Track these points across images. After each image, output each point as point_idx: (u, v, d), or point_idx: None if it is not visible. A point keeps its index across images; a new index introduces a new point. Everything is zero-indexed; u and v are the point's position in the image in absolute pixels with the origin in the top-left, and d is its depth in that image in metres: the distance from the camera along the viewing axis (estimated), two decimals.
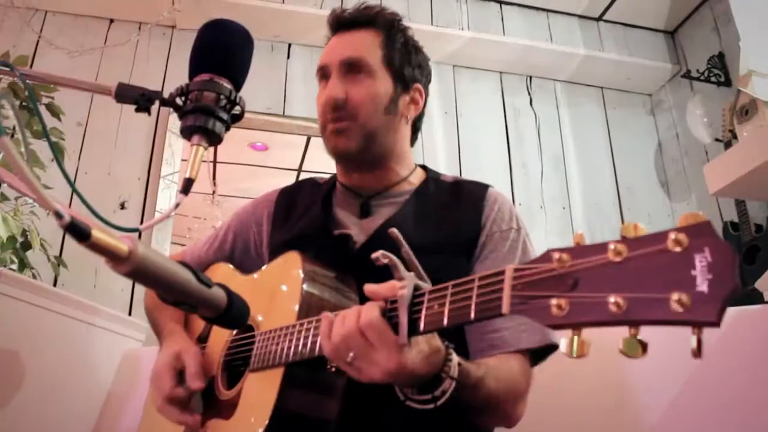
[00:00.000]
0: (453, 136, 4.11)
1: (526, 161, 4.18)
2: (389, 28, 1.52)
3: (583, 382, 1.60)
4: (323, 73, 1.50)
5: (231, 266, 1.59)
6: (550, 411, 1.37)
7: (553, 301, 0.67)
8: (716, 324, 0.57)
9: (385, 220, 1.40)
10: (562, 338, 0.68)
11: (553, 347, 1.27)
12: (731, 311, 1.49)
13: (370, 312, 0.92)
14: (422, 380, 0.95)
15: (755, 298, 2.34)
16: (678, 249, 0.60)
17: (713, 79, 3.96)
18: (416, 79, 1.53)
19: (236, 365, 1.32)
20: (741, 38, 3.45)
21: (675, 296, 0.58)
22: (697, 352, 0.58)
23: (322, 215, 1.47)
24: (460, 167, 4.00)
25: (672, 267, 0.60)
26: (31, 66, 3.56)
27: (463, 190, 1.48)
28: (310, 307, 1.18)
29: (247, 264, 1.59)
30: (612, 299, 0.62)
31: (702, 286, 0.57)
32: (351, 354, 0.93)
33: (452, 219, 1.41)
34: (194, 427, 1.29)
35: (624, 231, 0.66)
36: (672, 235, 0.61)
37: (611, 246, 0.65)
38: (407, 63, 1.51)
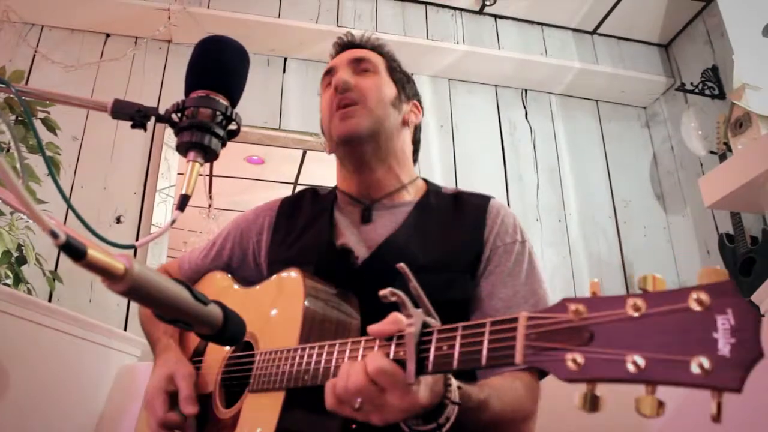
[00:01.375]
0: (449, 149, 4.12)
1: (521, 174, 4.19)
2: (390, 58, 1.61)
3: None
4: (330, 76, 1.55)
5: (228, 276, 1.59)
6: (550, 414, 1.36)
7: (569, 356, 0.66)
8: (738, 391, 0.56)
9: (388, 235, 1.40)
10: (575, 391, 0.66)
11: None
12: None
13: (379, 358, 0.89)
14: (427, 410, 0.93)
15: None
16: (699, 308, 0.58)
17: (707, 92, 3.98)
18: (415, 96, 1.62)
19: (234, 383, 1.31)
20: (734, 51, 3.47)
21: (696, 360, 0.57)
22: (717, 418, 0.57)
23: (327, 227, 1.47)
24: (456, 180, 4.00)
25: (693, 327, 0.59)
26: (27, 80, 3.56)
27: (465, 202, 1.49)
28: (312, 326, 1.18)
29: (244, 273, 1.59)
30: (630, 358, 0.61)
31: (724, 350, 0.56)
32: (359, 401, 0.90)
33: (455, 234, 1.41)
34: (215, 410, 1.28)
35: (642, 283, 0.64)
36: (693, 294, 0.59)
37: (630, 301, 0.63)
38: (407, 81, 1.60)
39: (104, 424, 2.25)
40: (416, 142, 1.63)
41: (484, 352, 0.78)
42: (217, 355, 1.39)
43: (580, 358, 0.65)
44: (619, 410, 1.56)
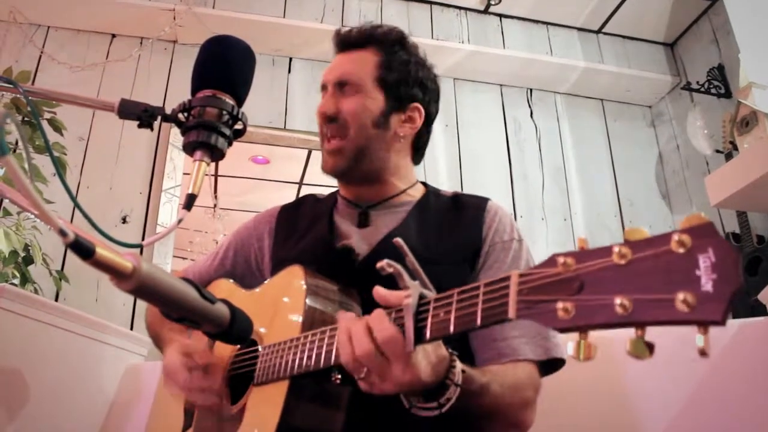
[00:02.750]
0: (454, 149, 4.12)
1: (527, 173, 4.18)
2: (390, 46, 1.55)
3: (586, 391, 1.60)
4: (323, 91, 1.56)
5: (233, 282, 1.60)
6: (553, 420, 1.37)
7: (560, 305, 0.68)
8: (721, 323, 0.57)
9: (389, 232, 1.42)
10: (569, 342, 0.68)
11: (559, 362, 1.28)
12: (735, 323, 1.49)
13: (385, 326, 0.91)
14: (426, 389, 0.95)
15: (758, 310, 2.34)
16: (682, 250, 0.61)
17: (713, 90, 3.97)
18: (414, 98, 1.54)
19: (240, 379, 1.32)
20: (740, 50, 3.46)
21: (680, 296, 0.59)
22: (704, 352, 0.59)
23: (327, 229, 1.49)
24: (461, 179, 4.00)
25: (676, 268, 0.61)
26: (34, 81, 3.58)
27: (463, 203, 1.51)
28: (313, 321, 1.18)
29: (248, 280, 1.60)
30: (618, 301, 0.63)
31: (707, 286, 0.58)
32: (365, 370, 0.93)
33: (454, 230, 1.43)
34: (221, 407, 1.29)
35: (628, 235, 0.66)
36: (675, 237, 0.61)
37: (615, 249, 0.66)
38: (404, 82, 1.53)
39: (111, 423, 2.25)
40: (418, 147, 1.60)
41: (479, 312, 0.80)
42: (224, 354, 1.40)
43: (570, 307, 0.67)
44: (617, 409, 1.56)
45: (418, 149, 1.60)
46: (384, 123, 1.49)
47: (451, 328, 0.84)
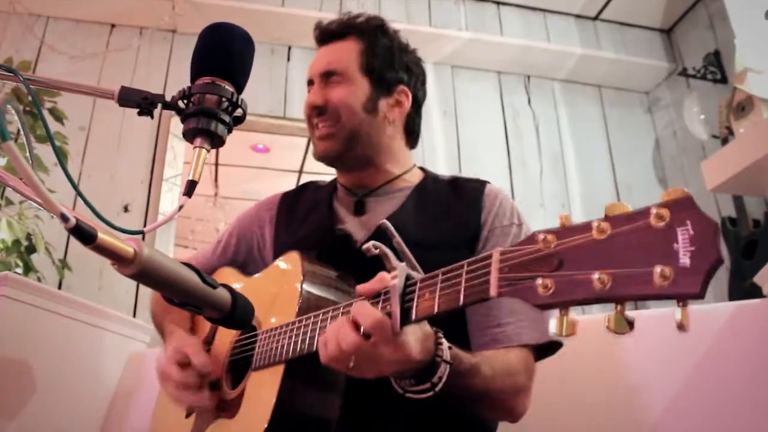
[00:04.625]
0: (452, 136, 4.13)
1: (525, 160, 4.20)
2: (371, 34, 1.57)
3: (584, 380, 1.61)
4: (309, 86, 1.57)
5: (235, 270, 1.62)
6: (551, 410, 1.38)
7: (539, 281, 0.68)
8: (700, 296, 0.57)
9: (387, 217, 1.41)
10: (552, 318, 0.69)
11: (556, 345, 1.27)
12: (731, 305, 1.50)
13: (369, 311, 0.92)
14: (417, 367, 0.96)
15: (754, 292, 2.35)
16: (661, 224, 0.61)
17: (709, 76, 3.98)
18: (400, 81, 1.56)
19: (240, 365, 1.34)
20: (736, 36, 3.46)
21: (658, 270, 0.59)
22: (682, 325, 0.59)
23: (327, 215, 1.51)
24: (460, 167, 4.01)
25: (655, 241, 0.61)
26: (34, 71, 3.58)
27: (462, 187, 1.51)
28: (309, 306, 1.20)
29: (251, 267, 1.62)
30: (596, 276, 0.63)
31: (684, 259, 0.58)
32: (352, 361, 0.94)
33: (453, 215, 1.43)
34: (209, 406, 1.31)
35: (608, 210, 0.67)
36: (654, 210, 0.62)
37: (595, 224, 0.66)
38: (389, 67, 1.55)
39: (114, 410, 2.27)
40: (410, 131, 1.61)
41: (462, 291, 0.82)
42: (225, 341, 1.42)
43: (550, 283, 0.68)
44: (614, 392, 1.58)
45: (411, 133, 1.61)
46: (373, 108, 1.50)
47: (436, 309, 0.85)
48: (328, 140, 1.49)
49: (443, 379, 0.97)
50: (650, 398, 1.51)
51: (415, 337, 0.93)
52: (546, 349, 1.28)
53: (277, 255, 1.51)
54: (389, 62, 1.56)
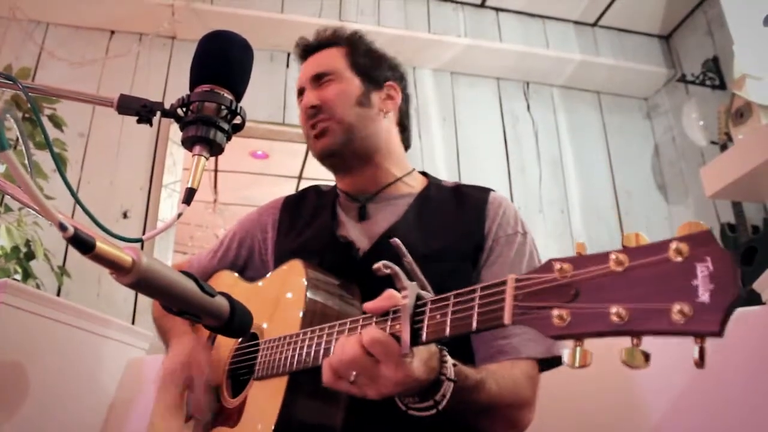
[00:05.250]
0: (452, 143, 4.13)
1: (524, 166, 4.20)
2: (351, 40, 1.61)
3: (587, 383, 1.61)
4: (300, 97, 1.58)
5: (235, 274, 1.61)
6: (554, 413, 1.37)
7: (555, 312, 0.67)
8: (718, 334, 0.57)
9: (389, 227, 1.41)
10: (565, 348, 0.67)
11: (559, 359, 1.26)
12: None
13: (372, 330, 0.91)
14: (421, 388, 0.95)
15: (753, 299, 2.35)
16: (679, 258, 0.60)
17: (708, 82, 3.98)
18: (388, 78, 1.60)
19: (241, 373, 1.33)
20: (735, 42, 3.47)
21: (677, 307, 0.58)
22: (700, 363, 0.59)
23: (330, 223, 1.49)
24: (459, 173, 4.01)
25: (673, 277, 0.60)
26: (34, 77, 3.58)
27: (465, 195, 1.50)
28: (314, 315, 1.19)
29: (251, 271, 1.61)
30: (613, 310, 0.62)
31: (704, 297, 0.57)
32: (353, 374, 0.92)
33: (456, 225, 1.42)
34: (208, 416, 1.31)
35: (625, 241, 0.66)
36: (673, 245, 0.61)
37: (612, 256, 0.65)
38: (375, 65, 1.59)
39: (113, 417, 2.27)
40: (404, 127, 1.63)
41: (475, 316, 0.80)
42: (225, 347, 1.42)
43: (566, 314, 0.67)
44: (616, 396, 1.58)
45: (405, 130, 1.63)
46: (367, 102, 1.52)
47: (447, 332, 0.84)
48: (326, 136, 1.49)
49: (446, 397, 0.96)
50: (650, 405, 1.50)
51: (420, 357, 0.92)
52: (551, 360, 1.27)
53: (278, 260, 1.51)
54: (374, 61, 1.60)
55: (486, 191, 1.50)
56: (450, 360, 0.98)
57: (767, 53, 3.29)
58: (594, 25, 4.54)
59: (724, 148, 3.41)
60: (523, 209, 3.98)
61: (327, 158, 1.53)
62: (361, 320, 1.00)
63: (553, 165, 4.26)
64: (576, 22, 4.53)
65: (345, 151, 1.49)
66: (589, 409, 1.59)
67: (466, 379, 1.02)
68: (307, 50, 1.62)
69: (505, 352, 1.24)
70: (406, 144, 1.64)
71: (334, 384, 0.95)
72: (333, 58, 1.56)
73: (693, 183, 4.00)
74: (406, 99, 1.63)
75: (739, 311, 1.48)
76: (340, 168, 1.56)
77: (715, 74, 3.98)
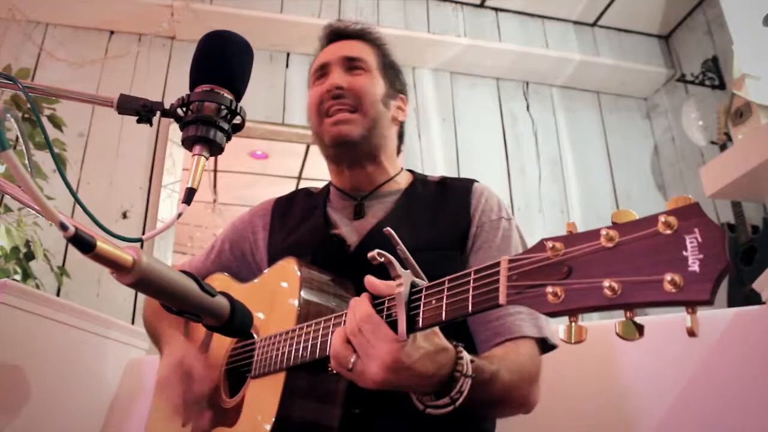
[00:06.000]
0: (451, 142, 4.14)
1: (523, 166, 4.20)
2: (382, 46, 1.63)
3: (584, 384, 1.61)
4: (323, 72, 1.57)
5: (228, 276, 1.61)
6: (548, 414, 1.38)
7: (549, 289, 0.69)
8: (709, 302, 0.58)
9: (378, 222, 1.42)
10: (560, 325, 0.69)
11: (551, 345, 1.27)
12: (730, 312, 1.50)
13: (362, 306, 0.93)
14: (432, 384, 0.95)
15: (753, 298, 2.36)
16: (669, 231, 0.62)
17: (707, 82, 3.99)
18: (402, 90, 1.63)
19: (238, 373, 1.33)
20: (734, 42, 3.47)
21: (668, 277, 0.59)
22: (693, 332, 0.59)
23: (322, 222, 1.50)
24: (459, 173, 4.01)
25: (663, 249, 0.61)
26: (33, 78, 3.58)
27: (450, 187, 1.52)
28: (308, 312, 1.20)
29: (244, 273, 1.61)
30: (606, 284, 0.64)
31: (694, 266, 0.59)
32: (352, 359, 0.93)
33: (442, 215, 1.44)
34: (206, 419, 1.31)
35: (615, 217, 0.67)
36: (662, 218, 0.62)
37: (603, 232, 0.67)
38: (396, 75, 1.62)
39: (113, 417, 2.27)
40: (401, 138, 1.66)
41: (470, 298, 0.81)
42: (221, 348, 1.42)
43: (560, 291, 0.68)
44: (612, 397, 1.58)
45: (401, 141, 1.66)
46: (387, 104, 1.54)
47: (444, 316, 0.85)
48: (348, 124, 1.47)
49: (464, 394, 0.95)
50: (649, 404, 1.51)
51: (416, 345, 0.92)
52: (544, 343, 1.28)
53: (271, 260, 1.51)
54: (395, 71, 1.63)
55: (470, 182, 1.51)
56: (467, 357, 0.98)
57: (766, 53, 3.30)
58: (593, 25, 4.54)
59: (723, 148, 3.41)
60: (523, 209, 3.99)
61: (341, 146, 1.50)
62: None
63: (553, 165, 4.26)
64: (575, 22, 4.53)
65: (362, 144, 1.48)
66: (586, 410, 1.59)
67: (483, 372, 1.02)
68: (340, 34, 1.62)
69: (500, 333, 1.25)
70: (398, 152, 1.67)
71: (336, 363, 0.96)
72: (367, 52, 1.57)
73: (692, 183, 4.00)
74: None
75: (740, 310, 1.49)
76: (346, 159, 1.54)
77: (714, 74, 3.98)
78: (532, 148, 4.28)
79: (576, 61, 4.33)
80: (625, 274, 0.63)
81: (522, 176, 4.16)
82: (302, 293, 1.22)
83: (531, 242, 1.45)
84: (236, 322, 0.96)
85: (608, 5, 4.35)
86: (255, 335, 1.30)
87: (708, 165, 3.34)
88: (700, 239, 0.59)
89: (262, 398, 1.19)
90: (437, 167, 3.92)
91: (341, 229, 1.47)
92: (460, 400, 0.95)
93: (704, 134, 3.85)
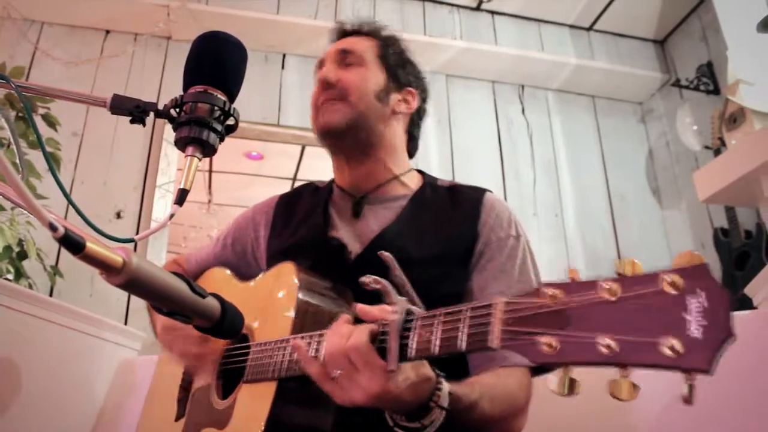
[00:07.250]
0: (446, 145, 4.14)
1: (518, 169, 4.20)
2: (385, 39, 1.61)
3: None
4: (319, 68, 1.57)
5: (228, 272, 1.61)
6: (542, 416, 1.38)
7: (544, 339, 0.66)
8: (708, 372, 0.56)
9: (381, 230, 1.41)
10: (553, 376, 0.67)
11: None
12: None
13: (359, 336, 0.91)
14: (408, 408, 0.94)
15: (745, 303, 2.36)
16: (673, 292, 0.59)
17: (702, 87, 4.00)
18: (410, 83, 1.59)
19: (231, 375, 1.33)
20: (729, 47, 3.49)
21: (667, 341, 0.57)
22: (689, 399, 0.58)
23: (321, 223, 1.48)
24: (453, 175, 4.01)
25: (666, 310, 0.59)
26: (28, 77, 3.57)
27: (460, 195, 1.48)
28: (305, 319, 1.19)
29: (244, 269, 1.61)
30: (603, 341, 0.61)
31: (695, 333, 0.57)
32: (337, 372, 0.92)
33: (449, 227, 1.41)
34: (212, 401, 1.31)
35: (619, 267, 0.64)
36: (667, 277, 0.60)
37: (605, 285, 0.64)
38: (402, 67, 1.59)
39: (105, 417, 2.26)
40: (411, 132, 1.62)
41: (464, 337, 0.79)
42: (216, 347, 1.41)
43: (555, 342, 0.66)
44: (607, 404, 1.58)
45: (412, 138, 1.62)
46: (384, 98, 1.51)
47: (436, 350, 0.83)
48: (333, 113, 1.47)
49: (435, 425, 0.95)
50: (642, 409, 1.50)
51: (404, 376, 0.91)
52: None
53: (270, 259, 1.52)
54: (402, 63, 1.60)
55: (481, 192, 1.48)
56: (446, 388, 0.97)
57: (761, 59, 3.31)
58: (589, 29, 4.55)
59: (717, 152, 3.42)
60: (517, 212, 3.91)
61: (327, 135, 1.50)
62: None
63: (548, 168, 4.27)
64: (571, 26, 4.54)
65: (347, 134, 1.47)
66: (582, 412, 1.59)
67: (460, 403, 1.01)
68: (342, 32, 1.62)
69: (494, 359, 1.23)
70: (411, 152, 1.64)
71: (320, 378, 0.96)
72: (364, 45, 1.56)
73: (687, 187, 4.01)
74: (420, 110, 1.62)
75: (731, 316, 1.49)
76: (337, 151, 1.54)
77: (709, 79, 3.99)
78: (527, 151, 4.28)
79: (571, 65, 4.34)
80: (623, 333, 0.61)
81: (516, 179, 4.16)
82: (299, 299, 1.21)
83: None
84: (226, 323, 0.95)
85: (604, 10, 4.36)
86: (249, 338, 1.30)
87: (702, 170, 3.34)
88: (705, 304, 0.57)
89: (253, 405, 1.18)
90: (432, 169, 3.86)
91: (341, 231, 1.46)
92: (431, 429, 0.95)
93: (698, 139, 3.85)
